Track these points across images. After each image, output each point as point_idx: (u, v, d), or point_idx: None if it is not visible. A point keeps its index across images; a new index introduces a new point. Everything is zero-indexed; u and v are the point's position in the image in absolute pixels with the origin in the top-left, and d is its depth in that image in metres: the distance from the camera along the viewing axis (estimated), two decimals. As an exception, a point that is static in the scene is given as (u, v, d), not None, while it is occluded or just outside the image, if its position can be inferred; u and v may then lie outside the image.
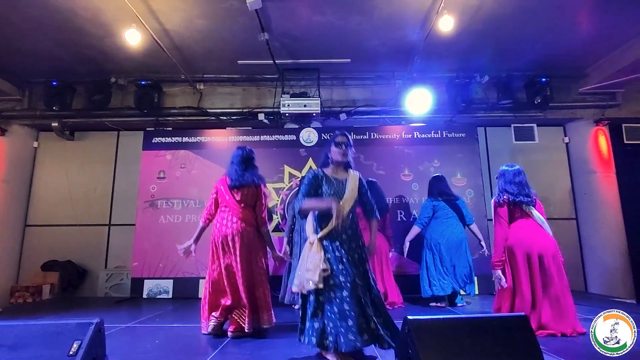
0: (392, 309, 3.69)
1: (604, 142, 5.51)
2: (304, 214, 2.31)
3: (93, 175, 5.70)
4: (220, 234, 2.78)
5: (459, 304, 3.92)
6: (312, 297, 2.15)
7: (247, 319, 2.67)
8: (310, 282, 2.09)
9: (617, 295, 4.83)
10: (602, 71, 5.10)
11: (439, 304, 3.91)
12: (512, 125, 5.57)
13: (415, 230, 4.10)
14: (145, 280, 4.90)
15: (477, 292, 4.73)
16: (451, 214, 4.00)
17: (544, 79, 5.12)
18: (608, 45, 4.73)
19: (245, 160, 2.91)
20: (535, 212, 2.83)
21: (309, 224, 2.33)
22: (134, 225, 5.14)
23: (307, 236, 2.28)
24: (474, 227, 4.08)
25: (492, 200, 2.96)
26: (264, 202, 2.92)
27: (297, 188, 4.09)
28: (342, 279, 2.11)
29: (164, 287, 4.88)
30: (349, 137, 2.42)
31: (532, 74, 5.23)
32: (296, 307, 4.01)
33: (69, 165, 5.70)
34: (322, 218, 2.25)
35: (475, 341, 1.65)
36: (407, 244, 4.07)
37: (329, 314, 2.08)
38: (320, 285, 2.09)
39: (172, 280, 4.89)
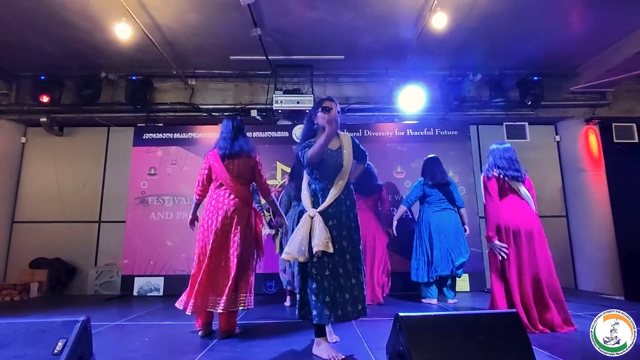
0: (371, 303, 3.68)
1: (594, 141, 5.57)
2: (316, 159, 2.14)
3: (82, 171, 5.62)
4: (217, 209, 2.67)
5: (450, 301, 3.94)
6: (298, 270, 2.20)
7: (224, 298, 2.53)
8: (314, 252, 2.06)
9: (607, 292, 4.89)
10: (592, 70, 5.13)
11: (430, 302, 3.92)
12: (504, 123, 5.62)
13: (402, 209, 4.14)
14: (135, 278, 4.85)
15: (468, 289, 4.78)
16: (442, 198, 4.00)
17: (535, 78, 5.15)
18: (599, 44, 4.77)
19: (235, 130, 2.81)
20: (522, 189, 2.83)
21: (306, 197, 2.25)
22: (124, 222, 5.08)
23: (306, 209, 2.20)
24: (462, 210, 4.08)
25: (482, 176, 2.93)
26: (261, 171, 2.84)
27: (288, 181, 4.06)
28: (326, 259, 2.11)
29: (154, 284, 4.84)
30: (336, 101, 2.27)
31: (525, 73, 5.26)
32: (286, 304, 3.99)
33: (57, 161, 5.61)
34: (317, 192, 2.22)
35: (466, 337, 1.65)
36: (395, 223, 4.10)
37: (308, 289, 2.13)
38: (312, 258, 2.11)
39: (162, 278, 4.85)
